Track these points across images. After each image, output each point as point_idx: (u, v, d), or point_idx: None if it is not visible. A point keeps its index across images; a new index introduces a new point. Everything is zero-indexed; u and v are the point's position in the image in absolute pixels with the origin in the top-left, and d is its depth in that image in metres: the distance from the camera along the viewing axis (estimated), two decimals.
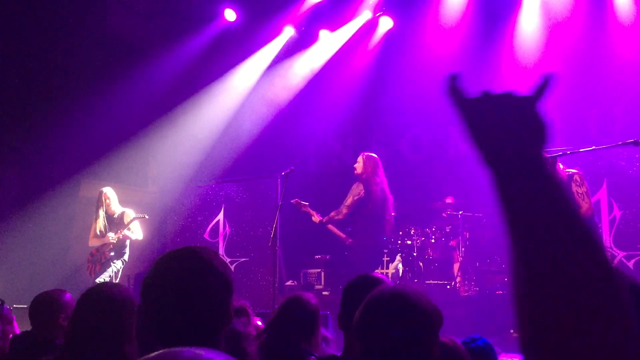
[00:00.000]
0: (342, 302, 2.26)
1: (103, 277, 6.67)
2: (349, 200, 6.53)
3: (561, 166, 5.32)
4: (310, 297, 2.99)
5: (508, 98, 0.78)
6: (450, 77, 0.80)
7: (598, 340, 0.64)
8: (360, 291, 2.12)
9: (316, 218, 6.69)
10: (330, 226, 6.83)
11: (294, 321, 2.81)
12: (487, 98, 0.78)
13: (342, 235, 6.96)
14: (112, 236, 6.75)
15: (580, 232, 0.69)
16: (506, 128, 0.75)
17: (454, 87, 0.79)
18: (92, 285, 2.35)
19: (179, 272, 1.41)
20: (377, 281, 2.24)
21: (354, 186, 6.58)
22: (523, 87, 0.80)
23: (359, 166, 6.55)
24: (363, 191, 6.44)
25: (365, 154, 6.67)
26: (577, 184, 5.35)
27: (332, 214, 6.62)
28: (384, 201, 6.57)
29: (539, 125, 0.77)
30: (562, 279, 0.67)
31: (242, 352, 2.43)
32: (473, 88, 0.78)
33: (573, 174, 5.40)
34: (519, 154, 0.74)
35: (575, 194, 5.28)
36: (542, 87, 0.79)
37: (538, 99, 0.78)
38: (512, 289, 0.71)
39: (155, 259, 1.47)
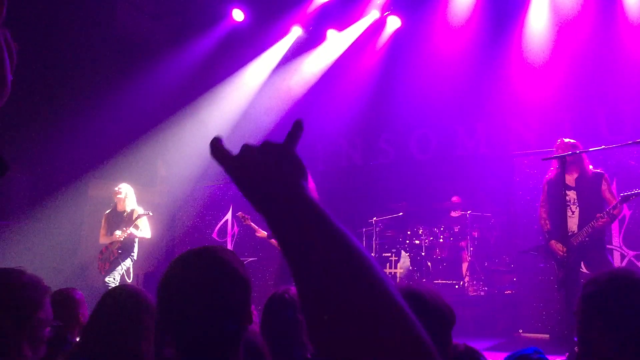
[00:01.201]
0: None
1: (113, 276, 6.70)
2: None
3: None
4: (285, 289, 2.89)
5: (267, 147, 0.82)
6: (213, 141, 0.83)
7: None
8: None
9: (262, 233, 6.55)
10: (272, 240, 6.72)
11: (275, 319, 2.74)
12: (248, 150, 0.82)
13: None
14: (118, 234, 6.78)
15: (341, 246, 0.70)
16: (268, 171, 0.79)
17: (217, 148, 0.82)
18: (116, 285, 2.38)
19: (195, 275, 1.39)
20: None
21: None
22: (281, 135, 0.84)
23: None
24: None
25: None
26: (608, 182, 5.42)
27: None
28: None
29: (296, 164, 0.81)
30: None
31: (256, 351, 2.44)
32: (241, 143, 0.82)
33: (602, 173, 5.44)
34: (283, 186, 0.77)
35: (607, 191, 5.33)
36: (293, 134, 0.83)
37: (292, 144, 0.82)
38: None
39: (172, 261, 1.47)
